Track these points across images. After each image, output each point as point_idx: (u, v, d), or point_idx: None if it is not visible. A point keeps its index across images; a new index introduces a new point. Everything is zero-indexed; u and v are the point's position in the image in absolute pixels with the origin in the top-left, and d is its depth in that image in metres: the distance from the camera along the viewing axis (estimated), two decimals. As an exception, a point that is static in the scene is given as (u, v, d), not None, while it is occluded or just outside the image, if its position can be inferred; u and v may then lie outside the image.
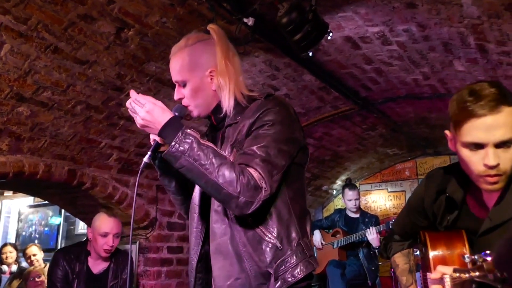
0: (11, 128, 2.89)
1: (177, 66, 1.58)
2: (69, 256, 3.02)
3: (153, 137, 1.52)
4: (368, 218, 5.11)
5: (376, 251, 4.77)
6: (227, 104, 1.54)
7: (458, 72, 3.43)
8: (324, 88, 3.91)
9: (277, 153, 1.41)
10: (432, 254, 1.33)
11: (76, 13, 2.40)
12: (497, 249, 1.11)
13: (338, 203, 6.77)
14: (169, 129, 1.39)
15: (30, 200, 6.67)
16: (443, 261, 1.30)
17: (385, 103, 4.39)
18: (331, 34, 2.47)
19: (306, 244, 1.46)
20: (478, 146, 1.20)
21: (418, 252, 1.99)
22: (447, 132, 1.35)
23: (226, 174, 1.33)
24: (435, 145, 5.96)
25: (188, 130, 1.39)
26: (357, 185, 6.78)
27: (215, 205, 1.50)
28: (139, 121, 1.44)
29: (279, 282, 1.38)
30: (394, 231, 1.73)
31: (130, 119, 3.36)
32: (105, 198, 3.72)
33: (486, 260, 0.90)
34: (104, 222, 3.02)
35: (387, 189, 6.66)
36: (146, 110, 1.42)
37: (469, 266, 0.94)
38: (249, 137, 1.45)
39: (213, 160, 1.35)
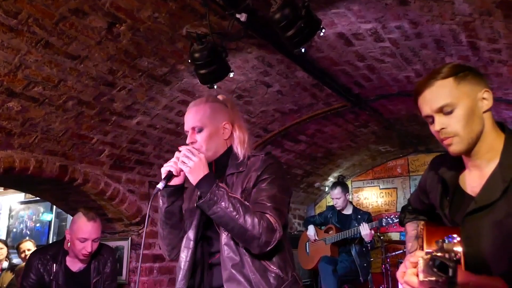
0: (2, 123, 2.87)
1: (198, 115, 1.87)
2: (44, 257, 2.89)
3: (167, 168, 1.75)
4: (360, 215, 5.14)
5: (369, 245, 4.81)
6: (240, 153, 1.87)
7: (450, 69, 3.45)
8: (317, 85, 3.91)
9: (282, 203, 1.79)
10: (426, 247, 1.39)
11: (67, 8, 2.38)
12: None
13: (330, 200, 6.79)
14: (206, 182, 1.68)
15: (21, 196, 6.63)
16: None
17: (377, 100, 4.40)
18: (323, 31, 2.46)
19: (297, 275, 1.84)
20: (429, 118, 1.41)
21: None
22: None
23: (250, 220, 1.64)
24: (427, 143, 5.99)
25: (220, 184, 1.69)
26: (349, 182, 6.80)
27: (225, 240, 1.77)
28: (190, 165, 1.69)
29: None
30: (409, 203, 1.86)
31: (122, 115, 3.35)
32: (97, 194, 3.70)
33: (448, 241, 1.01)
34: (83, 227, 2.86)
35: (379, 186, 6.69)
36: (199, 159, 1.70)
37: (436, 247, 1.04)
38: (257, 186, 1.78)
39: (240, 209, 1.65)
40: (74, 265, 2.96)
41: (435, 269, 0.99)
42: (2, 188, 6.49)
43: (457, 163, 1.49)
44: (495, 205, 1.33)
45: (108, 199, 3.77)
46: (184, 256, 1.85)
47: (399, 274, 1.50)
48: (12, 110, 2.84)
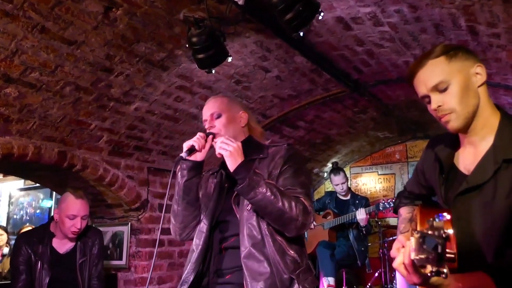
0: (-1, 109, 2.86)
1: (216, 103, 2.00)
2: (30, 239, 2.95)
3: (190, 143, 1.84)
4: (358, 200, 5.17)
5: (364, 230, 4.84)
6: (260, 142, 2.01)
7: (449, 54, 3.43)
8: (316, 70, 3.89)
9: (309, 188, 1.92)
10: (419, 228, 1.39)
11: (63, -8, 2.36)
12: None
13: (329, 185, 6.80)
14: (244, 168, 1.74)
15: (20, 183, 6.64)
16: None
17: (376, 86, 4.38)
18: (322, 14, 2.44)
19: (310, 263, 1.92)
20: (426, 98, 1.43)
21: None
22: None
23: (287, 203, 1.72)
24: (425, 129, 5.99)
25: (257, 170, 1.77)
26: (348, 168, 6.81)
27: (248, 219, 1.82)
28: (230, 149, 1.75)
29: (300, 287, 1.75)
30: (405, 189, 1.87)
31: (120, 101, 3.34)
32: (96, 180, 3.71)
33: (438, 220, 1.01)
34: (72, 205, 2.92)
35: (377, 172, 6.70)
36: (237, 145, 1.77)
37: (427, 226, 1.04)
38: (283, 173, 1.86)
39: (277, 193, 1.72)
40: (61, 247, 3.01)
41: (425, 246, 1.00)
42: (2, 174, 6.51)
43: (453, 142, 1.52)
44: (486, 185, 1.35)
45: (107, 185, 3.78)
46: (198, 240, 1.91)
47: (393, 252, 1.49)
48: (10, 96, 2.83)
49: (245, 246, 1.77)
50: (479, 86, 1.40)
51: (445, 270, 0.98)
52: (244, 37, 3.18)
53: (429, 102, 1.42)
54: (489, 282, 1.23)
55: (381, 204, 4.75)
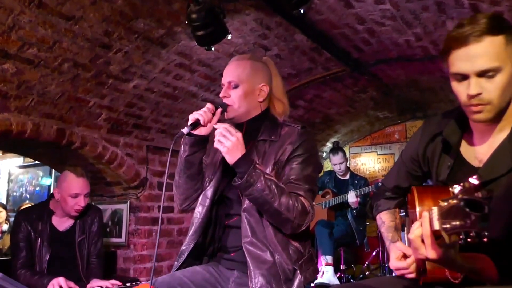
0: (-3, 85, 2.85)
1: (237, 70, 1.83)
2: (30, 216, 2.96)
3: (195, 116, 1.71)
4: (357, 180, 5.19)
5: (355, 211, 4.88)
6: (275, 119, 1.87)
7: (450, 33, 3.40)
8: (316, 49, 3.86)
9: (314, 182, 1.81)
10: (419, 208, 1.32)
11: (60, -34, 2.32)
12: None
13: (328, 165, 6.83)
14: (243, 163, 1.65)
15: (20, 160, 6.66)
16: None
17: (376, 65, 4.36)
18: (323, -9, 2.41)
19: (313, 251, 1.88)
20: (462, 76, 1.21)
21: (403, 213, 2.00)
22: (443, 65, 1.34)
23: (285, 203, 1.65)
24: (425, 109, 5.98)
25: (257, 165, 1.67)
26: (347, 148, 6.82)
27: (248, 208, 1.74)
28: (227, 145, 1.65)
29: (302, 278, 1.72)
30: (385, 188, 1.71)
31: (119, 78, 3.32)
32: (95, 157, 3.71)
33: (473, 183, 0.93)
34: (74, 183, 2.91)
35: (377, 151, 6.72)
36: (236, 139, 1.66)
37: (456, 192, 0.97)
38: (291, 162, 1.76)
39: (276, 191, 1.65)
40: (60, 225, 3.02)
41: (467, 209, 0.92)
42: (1, 152, 6.51)
43: (461, 125, 1.38)
44: (501, 179, 1.24)
45: (106, 163, 3.78)
46: (198, 213, 1.86)
47: (394, 265, 1.41)
48: (7, 72, 2.81)
49: (247, 235, 1.72)
50: None
51: (486, 233, 0.91)
52: (244, 15, 3.14)
53: (461, 81, 1.22)
54: (491, 265, 1.19)
55: (379, 183, 4.76)
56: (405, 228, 1.83)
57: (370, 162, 6.75)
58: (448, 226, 0.98)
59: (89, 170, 3.83)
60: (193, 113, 1.73)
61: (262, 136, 1.83)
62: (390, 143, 6.63)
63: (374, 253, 5.15)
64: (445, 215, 0.98)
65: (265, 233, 1.73)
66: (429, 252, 1.07)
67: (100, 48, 3.00)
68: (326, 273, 4.46)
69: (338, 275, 4.65)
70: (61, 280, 2.64)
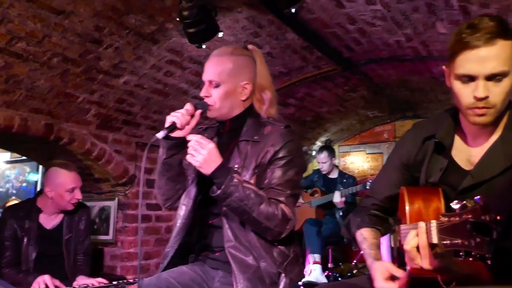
0: (-15, 79, 2.81)
1: (218, 68, 1.75)
2: (17, 213, 2.93)
3: (172, 119, 1.66)
4: (346, 179, 5.21)
5: (341, 211, 4.91)
6: (259, 117, 1.78)
7: (440, 34, 3.43)
8: (307, 48, 3.87)
9: (297, 186, 1.75)
10: (408, 208, 1.33)
11: (51, -41, 2.29)
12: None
13: (317, 164, 6.85)
14: (219, 174, 1.59)
15: (7, 155, 6.57)
16: (419, 215, 1.30)
17: (367, 65, 4.38)
18: (315, -10, 2.42)
19: (298, 251, 1.82)
20: (470, 78, 1.21)
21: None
22: (444, 67, 1.36)
23: (265, 212, 1.61)
24: (415, 109, 6.02)
25: (235, 175, 1.61)
26: (336, 146, 6.85)
27: (232, 214, 1.68)
28: (199, 159, 1.59)
29: (288, 280, 1.69)
30: (374, 200, 1.60)
31: (109, 74, 3.30)
32: (83, 154, 3.68)
33: (480, 203, 0.92)
34: (69, 178, 2.91)
35: (365, 151, 6.76)
36: (208, 151, 1.59)
37: (458, 210, 0.96)
38: (273, 164, 1.70)
39: (255, 200, 1.60)
40: (48, 223, 3.00)
41: (474, 232, 0.90)
42: (-13, 147, 6.43)
43: (451, 128, 1.39)
44: (494, 181, 1.25)
45: (94, 159, 3.76)
46: (182, 214, 1.83)
47: (381, 285, 1.30)
48: (-5, 66, 2.77)
49: (230, 239, 1.69)
50: None
51: (489, 256, 0.90)
52: (236, 12, 3.14)
53: (467, 82, 1.23)
54: (483, 268, 1.16)
55: (368, 183, 4.79)
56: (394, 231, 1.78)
57: (359, 161, 6.79)
58: (448, 242, 0.97)
59: (77, 166, 3.78)
60: (171, 114, 1.67)
61: (244, 136, 1.77)
62: (379, 142, 6.67)
63: (362, 252, 5.16)
64: (445, 231, 0.98)
65: (248, 237, 1.69)
66: (425, 262, 1.09)
67: (91, 43, 2.97)
68: (314, 271, 4.48)
69: (326, 274, 4.67)
70: (46, 278, 2.62)
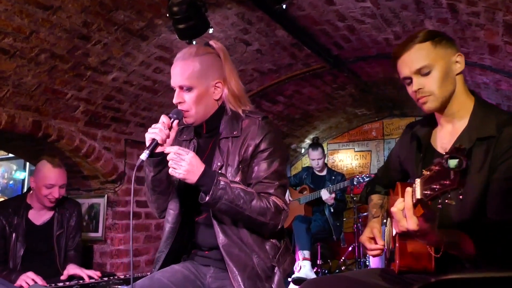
0: (-29, 75, 2.77)
1: (186, 72, 1.71)
2: (6, 210, 2.90)
3: (151, 136, 1.63)
4: (334, 176, 5.25)
5: (331, 208, 4.95)
6: (234, 112, 1.79)
7: (428, 32, 3.46)
8: (296, 45, 3.88)
9: (283, 175, 1.77)
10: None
11: (38, -47, 2.26)
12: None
13: (306, 161, 6.88)
14: (204, 181, 1.58)
15: (-7, 153, 6.49)
16: None
17: (356, 62, 4.40)
18: (305, -13, 2.43)
19: (287, 241, 1.87)
20: (407, 79, 1.52)
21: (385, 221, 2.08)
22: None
23: (257, 208, 1.63)
24: (402, 107, 6.07)
25: (221, 178, 1.60)
26: (325, 144, 6.88)
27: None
28: (181, 171, 1.57)
29: (281, 271, 1.74)
30: (378, 176, 1.98)
31: (98, 70, 3.27)
32: (72, 151, 3.65)
33: (455, 146, 1.06)
34: (49, 174, 2.87)
35: (354, 148, 6.80)
36: (188, 162, 1.57)
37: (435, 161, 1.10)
38: (256, 158, 1.72)
39: (245, 198, 1.61)
40: (37, 219, 2.98)
41: (448, 168, 1.02)
42: (-28, 144, 6.34)
43: (430, 123, 1.61)
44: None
45: (83, 156, 3.73)
46: (170, 219, 1.83)
47: (364, 239, 1.71)
48: (-18, 61, 2.73)
49: (223, 238, 1.70)
50: (457, 74, 1.50)
51: (461, 191, 1.04)
52: (226, 8, 3.13)
53: (410, 84, 1.52)
54: (468, 239, 1.32)
55: (355, 179, 4.83)
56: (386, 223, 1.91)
57: (348, 159, 6.83)
58: (428, 192, 1.08)
59: (65, 163, 3.75)
60: (149, 131, 1.64)
61: (224, 133, 1.77)
62: (368, 140, 6.71)
63: (350, 249, 5.22)
64: (427, 181, 1.10)
65: (239, 235, 1.71)
66: (410, 223, 1.20)
67: (79, 39, 2.94)
68: (304, 268, 4.51)
69: (315, 270, 4.70)
70: (30, 274, 2.58)
